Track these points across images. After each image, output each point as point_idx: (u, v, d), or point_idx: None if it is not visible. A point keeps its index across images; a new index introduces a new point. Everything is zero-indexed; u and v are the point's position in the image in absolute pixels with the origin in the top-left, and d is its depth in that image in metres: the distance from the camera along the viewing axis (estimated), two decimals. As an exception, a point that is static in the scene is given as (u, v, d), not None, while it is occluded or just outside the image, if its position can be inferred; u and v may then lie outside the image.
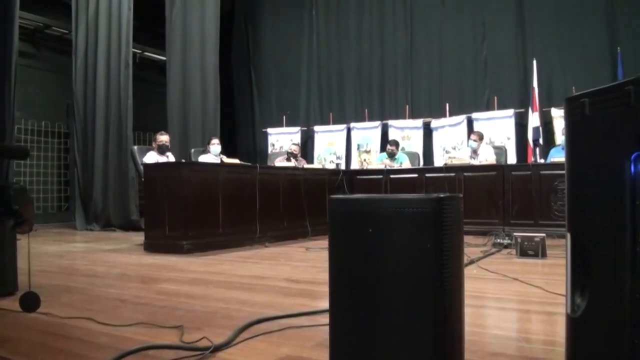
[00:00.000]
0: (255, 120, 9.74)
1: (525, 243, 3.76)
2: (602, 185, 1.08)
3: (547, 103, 7.00)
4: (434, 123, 7.89)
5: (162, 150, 5.54)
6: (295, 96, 9.33)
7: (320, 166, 7.25)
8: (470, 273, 3.07)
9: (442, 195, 1.26)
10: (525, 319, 2.14)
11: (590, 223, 1.13)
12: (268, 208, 5.12)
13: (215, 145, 5.88)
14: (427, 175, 6.02)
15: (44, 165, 8.63)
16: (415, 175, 6.10)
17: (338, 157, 8.59)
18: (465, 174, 5.73)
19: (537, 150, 6.74)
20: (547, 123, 6.96)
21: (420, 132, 7.97)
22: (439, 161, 7.53)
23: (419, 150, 7.74)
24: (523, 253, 3.75)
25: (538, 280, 2.82)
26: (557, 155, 5.69)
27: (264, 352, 1.64)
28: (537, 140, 6.76)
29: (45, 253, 4.42)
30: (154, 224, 4.53)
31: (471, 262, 3.49)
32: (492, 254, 4.01)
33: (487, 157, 6.09)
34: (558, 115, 6.81)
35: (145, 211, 4.77)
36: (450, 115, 7.75)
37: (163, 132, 5.77)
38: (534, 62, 6.91)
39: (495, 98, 7.47)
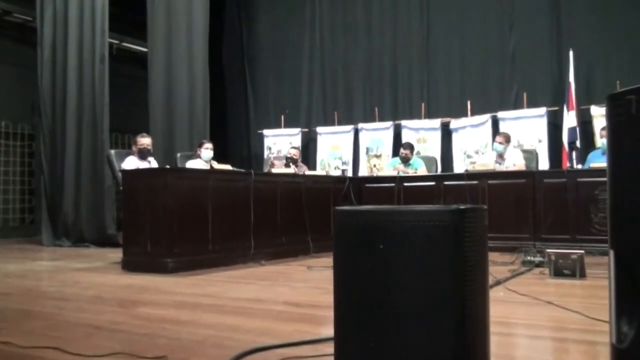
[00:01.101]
0: (249, 120, 9.78)
1: (560, 261, 3.74)
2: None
3: (585, 100, 7.00)
4: (454, 123, 7.90)
5: (143, 154, 5.56)
6: (295, 93, 9.35)
7: (323, 173, 7.26)
8: (496, 296, 3.05)
9: (463, 207, 1.26)
10: (561, 349, 2.12)
11: (638, 238, 1.12)
12: (264, 221, 5.12)
13: (208, 150, 5.89)
14: (446, 183, 6.02)
15: (5, 172, 8.67)
16: (433, 183, 6.10)
17: (344, 163, 8.60)
18: (490, 181, 5.72)
19: (574, 154, 6.73)
20: (585, 123, 6.96)
21: (438, 134, 7.97)
22: (459, 167, 7.52)
23: (437, 154, 7.74)
24: (558, 273, 3.73)
25: (576, 304, 2.80)
26: (597, 160, 5.67)
27: (258, 388, 1.63)
28: (574, 142, 6.74)
29: (5, 273, 4.42)
30: (133, 239, 4.53)
31: (497, 283, 3.48)
32: (522, 273, 3.99)
33: (515, 162, 6.08)
34: (599, 114, 6.80)
35: (123, 224, 4.78)
36: (473, 114, 7.75)
37: (144, 134, 5.79)
38: (571, 52, 6.91)
39: (525, 94, 7.47)
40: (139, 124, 7.49)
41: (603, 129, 5.81)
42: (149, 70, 7.51)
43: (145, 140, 5.62)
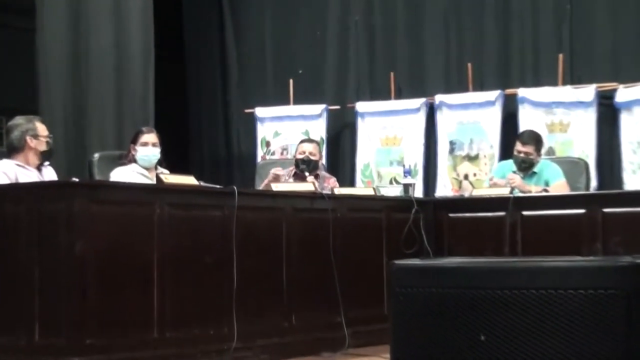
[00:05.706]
0: (228, 92, 9.87)
1: None
2: None
3: None
4: (623, 94, 7.84)
5: (45, 154, 5.60)
6: (314, 43, 9.48)
7: (369, 191, 7.25)
8: None
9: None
10: None
11: None
12: (257, 285, 5.14)
13: (149, 148, 5.95)
14: (607, 210, 5.95)
15: None
16: (581, 210, 6.04)
17: (407, 172, 8.56)
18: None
19: None
20: None
21: (592, 115, 7.92)
22: (634, 178, 7.47)
23: (589, 153, 7.71)
24: None
25: None
26: None
27: None
28: None
29: None
30: (8, 318, 4.56)
31: None
32: None
33: None
34: None
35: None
36: (659, 77, 7.73)
37: (36, 117, 5.85)
38: None
39: None
40: (22, 100, 7.58)
41: None
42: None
43: (41, 127, 5.65)
